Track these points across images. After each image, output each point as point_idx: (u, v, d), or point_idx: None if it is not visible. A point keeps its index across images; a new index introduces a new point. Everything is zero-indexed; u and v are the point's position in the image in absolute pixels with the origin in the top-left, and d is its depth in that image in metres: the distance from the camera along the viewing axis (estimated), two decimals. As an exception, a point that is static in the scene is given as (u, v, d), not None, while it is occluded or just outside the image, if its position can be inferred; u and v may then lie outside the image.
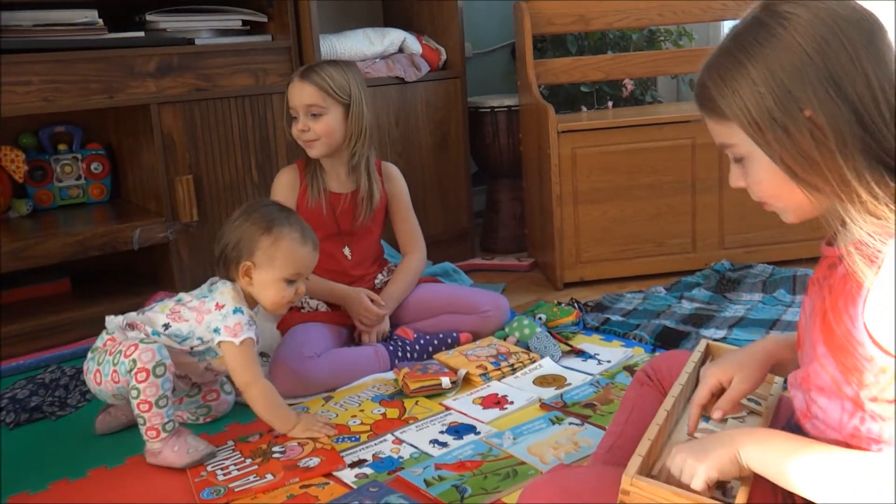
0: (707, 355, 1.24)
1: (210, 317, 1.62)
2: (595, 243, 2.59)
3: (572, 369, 1.93)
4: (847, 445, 0.92)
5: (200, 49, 2.37)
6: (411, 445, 1.60)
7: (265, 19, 2.52)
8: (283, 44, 2.49)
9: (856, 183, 0.83)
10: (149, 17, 2.35)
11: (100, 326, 2.23)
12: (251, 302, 1.69)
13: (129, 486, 1.53)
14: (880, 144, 0.84)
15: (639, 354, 2.01)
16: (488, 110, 2.96)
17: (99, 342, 1.66)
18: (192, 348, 1.65)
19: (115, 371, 1.57)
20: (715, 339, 2.04)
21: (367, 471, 1.51)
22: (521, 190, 2.99)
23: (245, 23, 2.49)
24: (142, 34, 2.32)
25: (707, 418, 1.13)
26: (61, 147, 2.55)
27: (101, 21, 2.25)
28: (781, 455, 0.89)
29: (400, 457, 1.56)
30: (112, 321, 1.66)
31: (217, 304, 1.62)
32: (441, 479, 1.46)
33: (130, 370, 1.53)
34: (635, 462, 0.97)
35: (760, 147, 0.88)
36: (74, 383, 2.00)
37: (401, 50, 2.79)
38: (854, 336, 0.87)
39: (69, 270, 2.49)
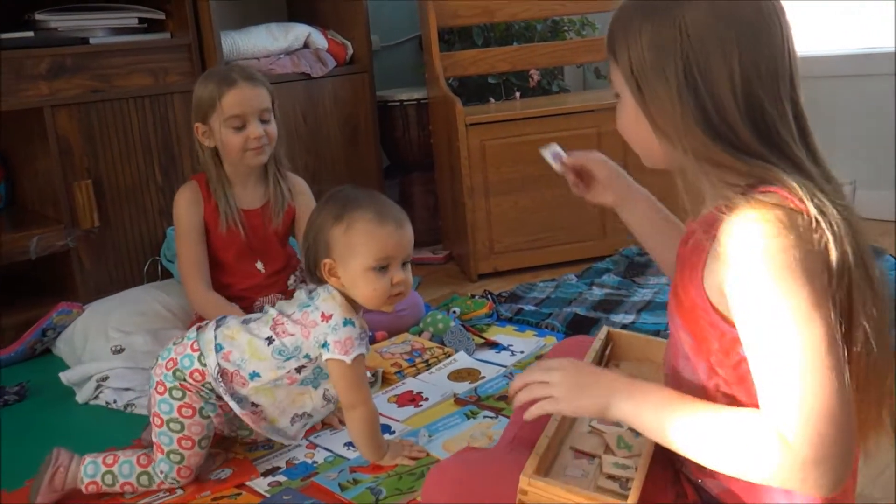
0: (608, 342, 1.27)
1: (317, 330, 1.43)
2: (507, 234, 2.61)
3: (486, 362, 1.95)
4: None
5: (95, 48, 2.28)
6: (326, 449, 1.59)
7: (163, 16, 2.44)
8: (183, 41, 2.43)
9: (699, 145, 0.90)
10: (38, 17, 2.25)
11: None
12: (356, 306, 1.49)
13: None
14: (724, 135, 0.90)
15: (551, 343, 2.04)
16: (397, 104, 2.95)
17: (187, 362, 1.46)
18: (300, 370, 1.46)
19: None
20: (624, 325, 2.10)
21: (281, 478, 1.49)
22: (433, 182, 3.00)
23: (142, 20, 2.42)
24: (31, 34, 2.22)
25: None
26: (-51, 154, 2.43)
27: (-15, 21, 2.15)
28: (657, 414, 0.91)
29: (314, 462, 1.55)
30: (211, 359, 1.45)
31: (323, 314, 1.43)
32: (356, 482, 1.45)
33: None
34: (533, 462, 0.98)
35: (631, 91, 0.96)
36: (-28, 402, 1.92)
37: (306, 45, 2.75)
38: (698, 304, 0.93)
39: (-36, 283, 2.38)
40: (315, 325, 1.43)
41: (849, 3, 2.90)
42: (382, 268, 1.42)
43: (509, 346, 2.04)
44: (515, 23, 3.07)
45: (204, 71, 2.46)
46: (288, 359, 1.44)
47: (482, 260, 2.61)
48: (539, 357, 1.95)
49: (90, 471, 1.45)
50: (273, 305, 1.54)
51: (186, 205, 1.99)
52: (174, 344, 1.51)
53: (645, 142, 0.98)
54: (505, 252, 2.63)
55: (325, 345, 1.42)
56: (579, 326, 2.11)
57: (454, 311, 2.21)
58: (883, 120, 2.80)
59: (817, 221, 0.84)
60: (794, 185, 0.86)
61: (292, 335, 1.44)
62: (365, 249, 1.41)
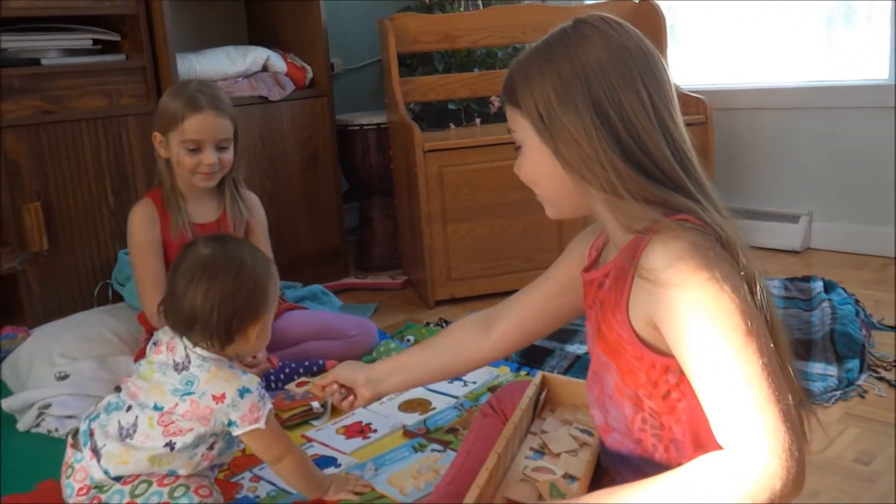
0: (543, 387, 1.27)
1: (215, 414, 1.31)
2: (465, 261, 2.61)
3: (438, 392, 1.94)
4: (640, 450, 0.99)
5: (47, 70, 2.25)
6: (269, 483, 1.56)
7: (118, 38, 2.42)
8: (138, 63, 2.40)
9: (614, 176, 0.93)
10: (-12, 37, 2.22)
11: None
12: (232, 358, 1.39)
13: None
14: (639, 158, 0.93)
15: (504, 374, 2.03)
16: (357, 128, 2.94)
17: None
18: (212, 446, 1.36)
19: None
20: (578, 355, 2.10)
21: (222, 513, 1.47)
22: (394, 207, 2.99)
23: (96, 42, 2.39)
24: (-20, 54, 2.19)
25: (541, 453, 1.15)
26: None
27: (-67, 41, 2.11)
28: None
29: (256, 496, 1.52)
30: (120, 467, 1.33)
31: (213, 396, 1.30)
32: (298, 517, 1.43)
33: None
34: (473, 493, 0.98)
35: (540, 135, 0.97)
36: None
37: (265, 68, 2.74)
38: (624, 338, 0.95)
39: None
40: (211, 410, 1.30)
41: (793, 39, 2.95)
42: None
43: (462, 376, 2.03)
44: (477, 49, 3.09)
45: (159, 93, 2.45)
46: (196, 447, 1.34)
47: (439, 286, 2.60)
48: (491, 389, 1.94)
49: None
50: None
51: (142, 221, 1.98)
52: (67, 477, 1.36)
53: (553, 185, 1.00)
54: (462, 279, 2.62)
55: (231, 423, 1.32)
56: (533, 356, 2.10)
57: (408, 340, 2.20)
58: (837, 152, 2.85)
59: (728, 242, 0.91)
60: (701, 211, 0.92)
61: (191, 430, 1.31)
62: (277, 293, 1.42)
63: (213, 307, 1.31)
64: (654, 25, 2.86)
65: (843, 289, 2.40)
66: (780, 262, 2.82)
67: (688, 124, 2.37)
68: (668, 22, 2.91)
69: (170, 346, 1.36)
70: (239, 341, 1.36)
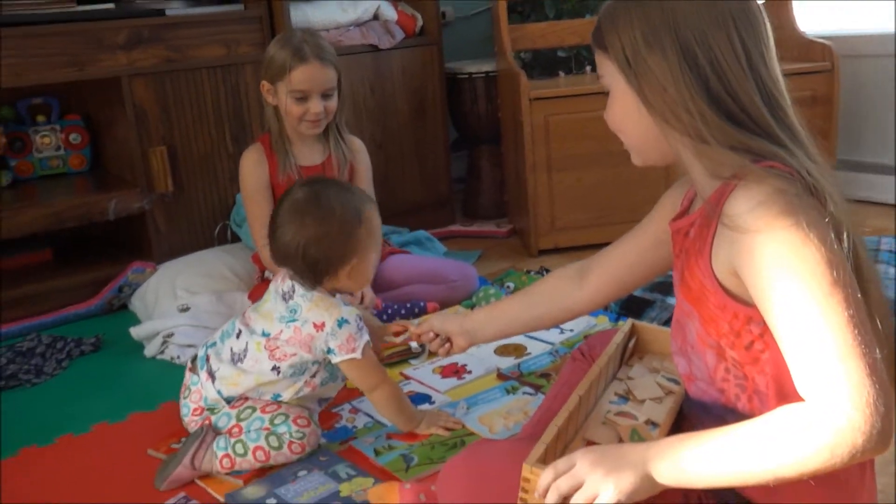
0: (631, 335, 1.27)
1: (315, 341, 1.42)
2: (569, 210, 2.60)
3: (534, 338, 1.97)
4: (723, 399, 0.98)
5: (171, 20, 2.37)
6: (366, 415, 1.64)
7: (237, -12, 2.52)
8: (255, 13, 2.49)
9: (700, 122, 0.90)
10: (119, -11, 2.36)
11: (78, 295, 2.32)
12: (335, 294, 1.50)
13: (93, 455, 1.59)
14: (727, 104, 0.91)
15: (602, 323, 2.04)
16: (466, 76, 2.95)
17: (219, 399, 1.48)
18: (314, 375, 1.48)
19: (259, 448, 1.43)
20: (678, 307, 2.08)
21: (322, 440, 1.55)
22: (501, 156, 3.00)
23: (217, -8, 2.50)
24: (111, 6, 2.33)
25: (625, 398, 1.16)
26: (40, 118, 2.57)
27: (70, -7, 2.26)
28: (699, 459, 0.86)
29: (354, 426, 1.60)
30: (230, 387, 1.47)
31: (314, 324, 1.42)
32: (390, 448, 1.50)
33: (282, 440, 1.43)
34: (538, 450, 0.97)
35: (626, 78, 0.95)
36: (51, 351, 2.06)
37: (375, 17, 2.78)
38: (707, 286, 0.94)
39: (52, 240, 2.53)
40: (311, 338, 1.42)
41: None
42: None
43: (559, 323, 2.04)
44: (589, -5, 3.03)
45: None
46: (301, 374, 1.46)
47: (543, 236, 2.62)
48: (587, 336, 1.95)
49: (221, 444, 1.44)
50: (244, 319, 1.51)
51: (252, 165, 2.09)
52: (184, 398, 1.51)
53: (639, 131, 0.98)
54: (566, 228, 2.62)
55: (329, 351, 1.42)
56: (633, 307, 2.09)
57: (508, 287, 2.23)
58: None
59: (816, 189, 0.87)
60: (788, 157, 0.89)
61: (294, 355, 1.43)
62: (377, 238, 1.48)
63: (299, 248, 1.39)
64: (778, -32, 2.72)
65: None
66: (906, 219, 2.68)
67: (813, 72, 2.24)
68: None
69: (283, 278, 1.47)
70: (329, 281, 1.44)
